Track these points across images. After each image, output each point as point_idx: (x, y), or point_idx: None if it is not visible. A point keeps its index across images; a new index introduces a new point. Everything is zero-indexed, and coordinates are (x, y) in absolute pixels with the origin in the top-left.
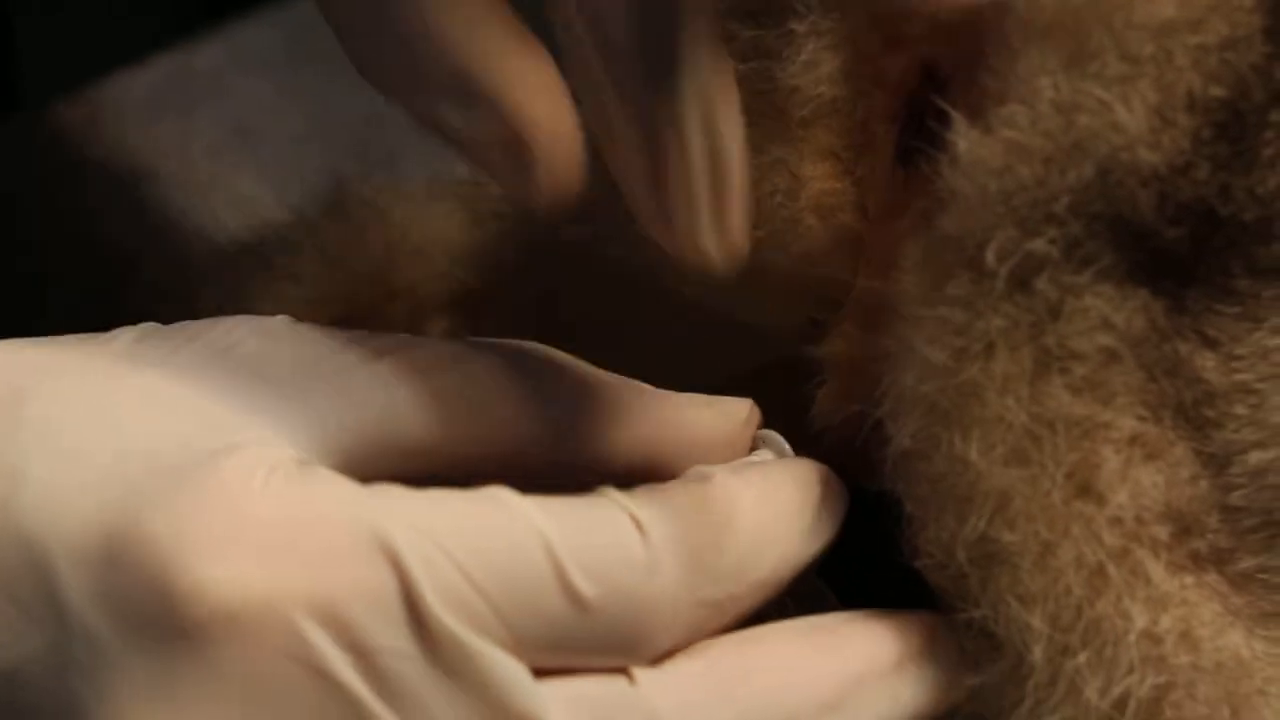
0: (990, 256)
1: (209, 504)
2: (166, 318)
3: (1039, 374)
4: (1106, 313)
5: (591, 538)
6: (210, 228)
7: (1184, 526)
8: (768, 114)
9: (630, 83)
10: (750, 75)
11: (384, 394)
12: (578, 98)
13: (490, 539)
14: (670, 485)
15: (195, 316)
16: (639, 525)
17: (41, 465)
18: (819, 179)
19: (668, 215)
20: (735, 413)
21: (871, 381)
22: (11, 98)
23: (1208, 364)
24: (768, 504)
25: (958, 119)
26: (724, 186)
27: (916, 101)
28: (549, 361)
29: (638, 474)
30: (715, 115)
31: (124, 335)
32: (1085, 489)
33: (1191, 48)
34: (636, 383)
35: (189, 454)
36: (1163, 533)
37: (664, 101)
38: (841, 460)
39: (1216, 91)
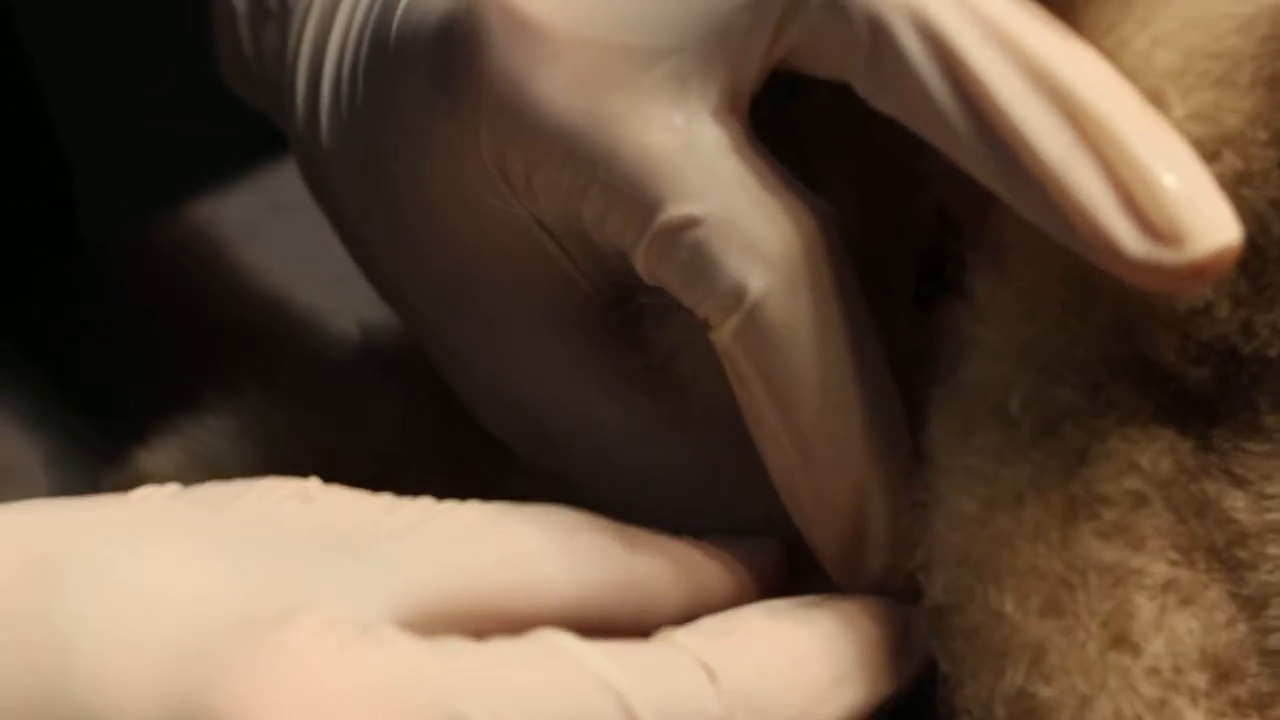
0: (1014, 405)
1: (275, 673)
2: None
3: (1068, 520)
4: (1133, 456)
5: (663, 688)
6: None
7: (1223, 672)
8: None
9: None
10: None
11: (435, 556)
12: None
13: (560, 698)
14: (728, 626)
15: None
16: (709, 672)
17: (91, 639)
18: None
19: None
20: (766, 548)
21: (904, 534)
22: (71, 238)
23: (1238, 504)
24: (833, 647)
25: (975, 265)
26: None
27: (934, 248)
28: (582, 519)
29: (681, 618)
30: None
31: (155, 496)
32: (1120, 638)
33: None
34: (665, 536)
35: (247, 622)
36: (1201, 680)
37: None
38: None
39: None
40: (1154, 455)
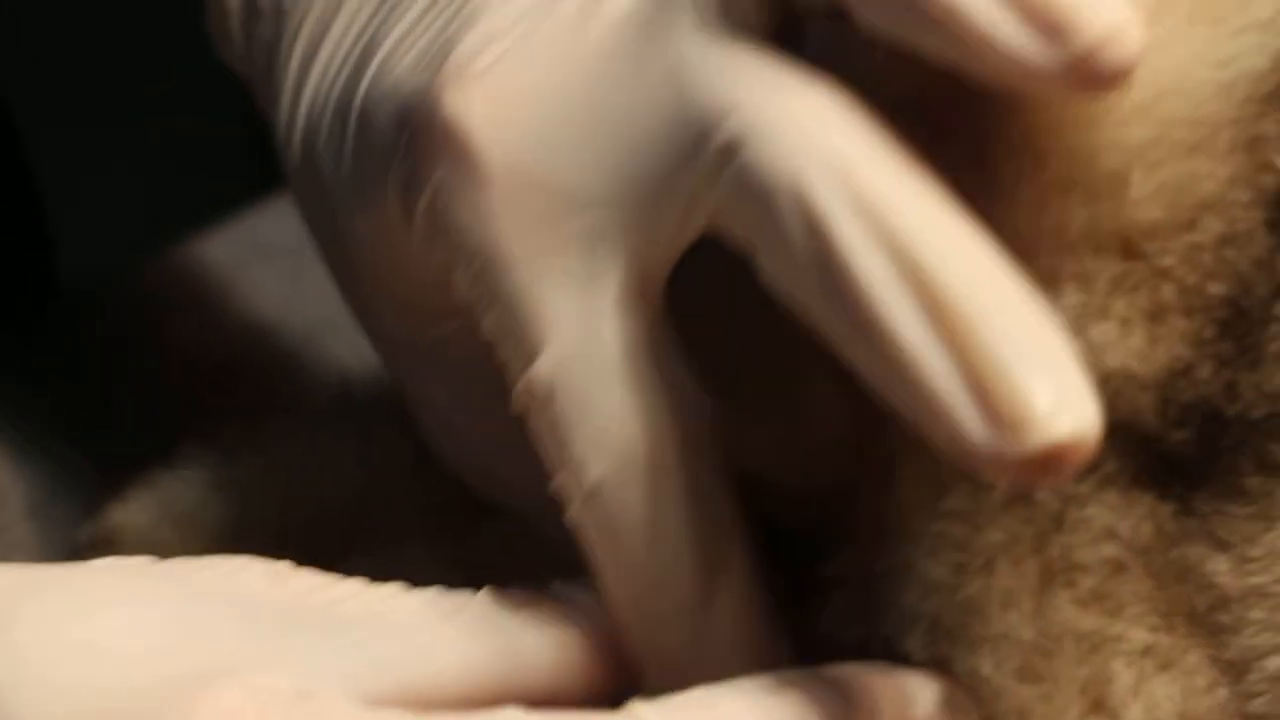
0: None
1: None
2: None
3: (1044, 588)
4: (1111, 522)
5: None
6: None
7: None
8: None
9: None
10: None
11: (399, 642)
12: None
13: None
14: (700, 703)
15: None
16: None
17: (33, 687)
18: (822, 395)
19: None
20: None
21: (878, 600)
22: (51, 282)
23: (1220, 568)
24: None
25: None
26: None
27: None
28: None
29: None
30: None
31: (119, 564)
32: (1099, 705)
33: (1184, 247)
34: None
35: (191, 679)
36: None
37: None
38: None
39: (1216, 289)
40: (1134, 521)
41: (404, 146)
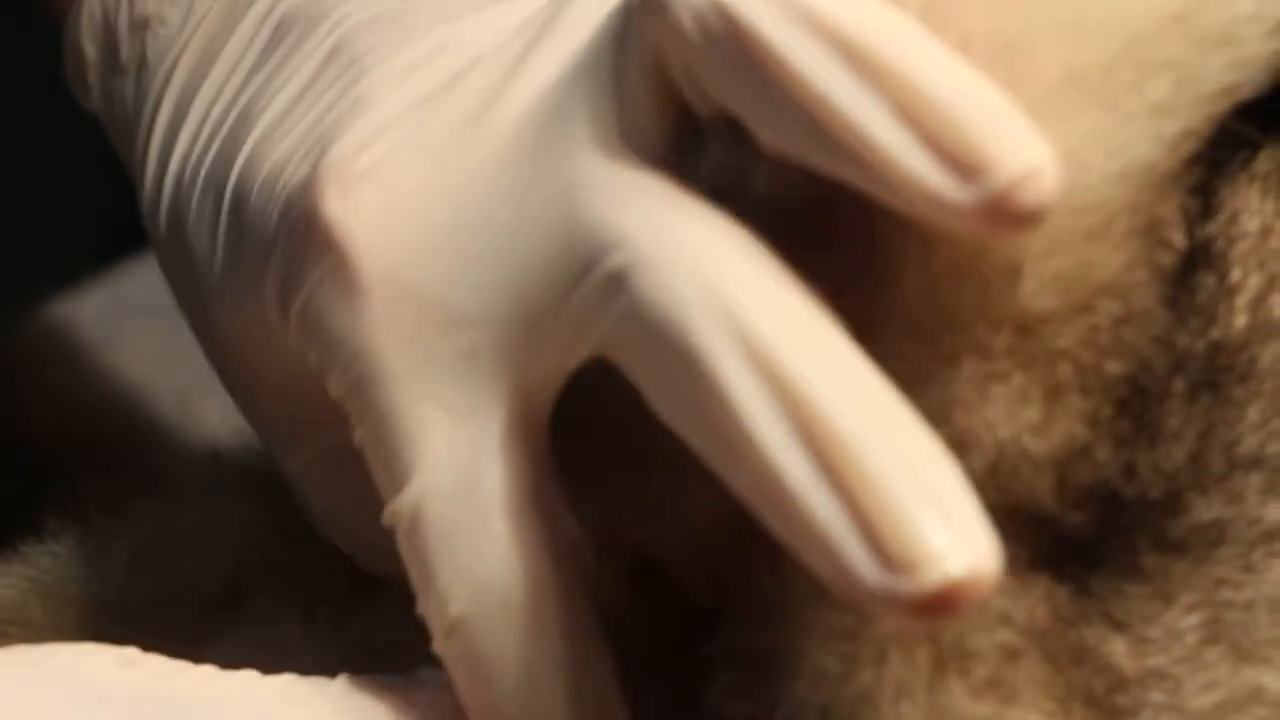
0: None
1: None
2: None
3: (936, 677)
4: (1005, 607)
5: None
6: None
7: None
8: None
9: None
10: None
11: None
12: None
13: None
14: None
15: None
16: None
17: None
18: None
19: None
20: None
21: (767, 681)
22: None
23: (1117, 649)
24: None
25: None
26: None
27: None
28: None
29: None
30: None
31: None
32: None
33: (1080, 329)
34: None
35: None
36: None
37: None
38: None
39: (1114, 368)
40: (1029, 605)
41: (282, 243)
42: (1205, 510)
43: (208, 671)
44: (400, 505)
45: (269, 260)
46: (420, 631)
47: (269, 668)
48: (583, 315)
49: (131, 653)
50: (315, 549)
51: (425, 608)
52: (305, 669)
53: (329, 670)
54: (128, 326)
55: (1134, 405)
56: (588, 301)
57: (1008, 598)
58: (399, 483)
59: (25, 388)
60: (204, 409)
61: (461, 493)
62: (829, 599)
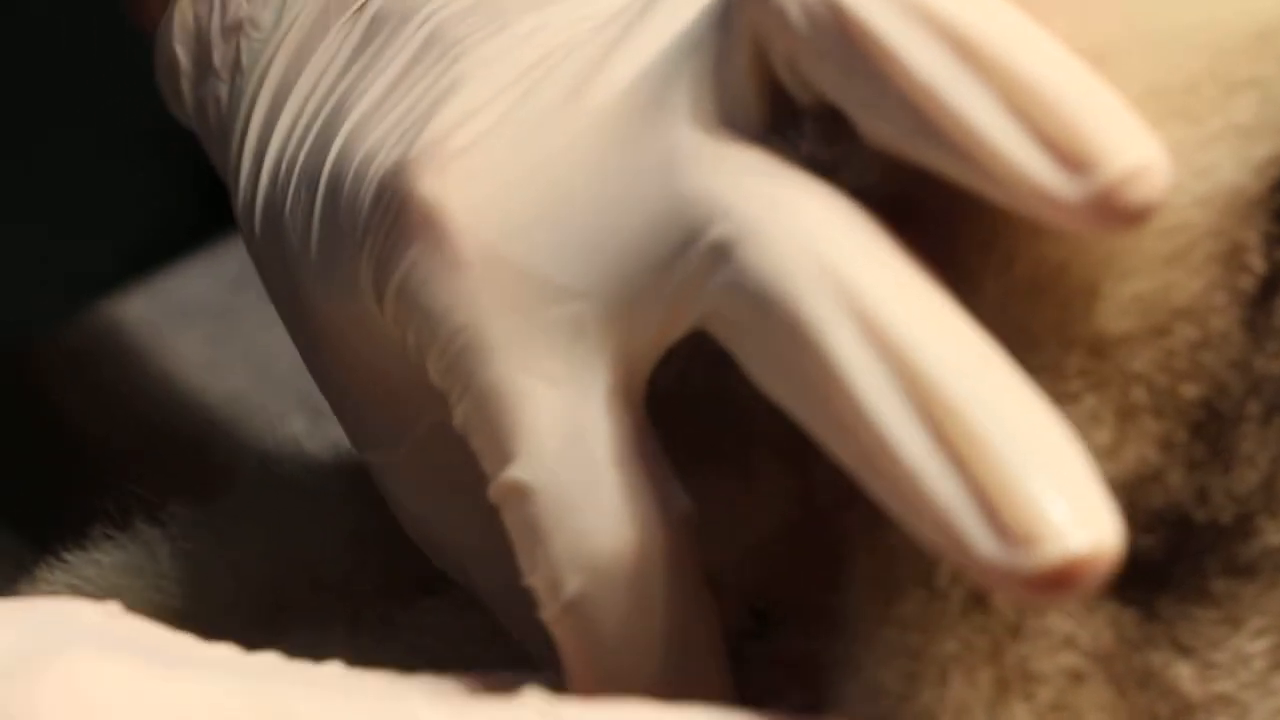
0: (942, 576)
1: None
2: None
3: (999, 699)
4: (1071, 630)
5: None
6: None
7: None
8: (717, 408)
9: None
10: (700, 373)
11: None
12: None
13: None
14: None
15: None
16: None
17: None
18: (770, 474)
19: None
20: None
21: (816, 690)
22: None
23: (1183, 674)
24: None
25: None
26: None
27: None
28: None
29: None
30: None
31: None
32: None
33: (1156, 352)
34: None
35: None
36: None
37: None
38: None
39: (1190, 391)
40: (1095, 629)
41: (376, 224)
42: (1276, 534)
43: (193, 640)
44: (507, 478)
45: (363, 244)
46: (474, 636)
47: None
48: (685, 286)
49: (114, 607)
50: (364, 557)
51: (534, 581)
52: None
53: None
54: (175, 331)
55: (1208, 429)
56: (691, 272)
57: (1073, 621)
58: (505, 456)
59: (71, 393)
60: (252, 416)
61: (569, 462)
62: (892, 616)
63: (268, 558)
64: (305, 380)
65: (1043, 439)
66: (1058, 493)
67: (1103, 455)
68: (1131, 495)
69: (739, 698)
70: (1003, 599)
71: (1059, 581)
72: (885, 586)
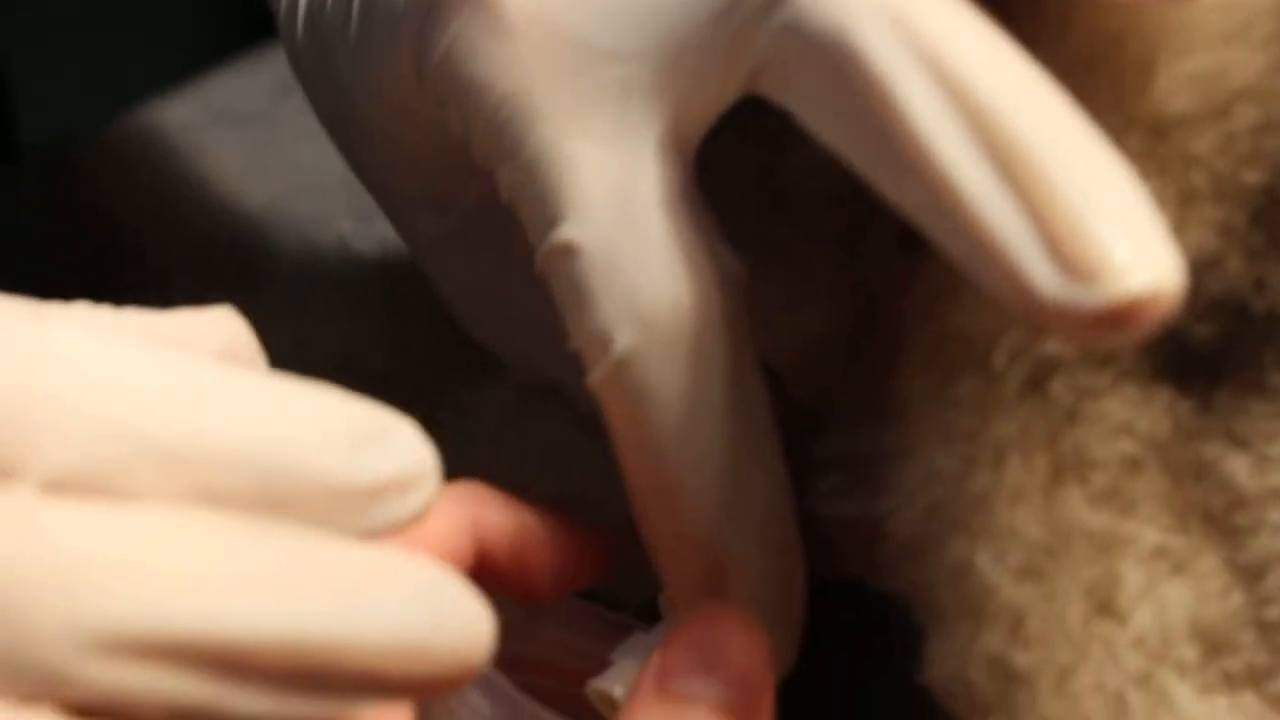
0: (1000, 357)
1: None
2: None
3: (1054, 483)
4: (1128, 416)
5: None
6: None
7: (1214, 645)
8: (771, 199)
9: None
10: (752, 163)
11: None
12: None
13: None
14: None
15: None
16: None
17: None
18: (826, 265)
19: None
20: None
21: (873, 481)
22: (10, 144)
23: (1239, 467)
24: None
25: None
26: None
27: None
28: None
29: None
30: None
31: None
32: (1105, 607)
33: (1216, 135)
34: None
35: None
36: (1191, 653)
37: None
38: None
39: (1251, 177)
40: (1152, 416)
41: (417, 1)
42: None
43: None
44: (555, 238)
45: (403, 21)
46: (525, 429)
47: None
48: (739, 34)
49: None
50: (405, 353)
51: (581, 343)
52: None
53: None
54: (215, 135)
55: (1269, 217)
56: (744, 19)
57: (1131, 407)
58: (552, 219)
59: (112, 195)
60: (294, 221)
61: (619, 219)
62: (948, 398)
63: (306, 351)
64: (350, 187)
65: (1107, 179)
66: (1122, 231)
67: None
68: (1191, 282)
69: (798, 498)
70: (1060, 338)
71: (1119, 319)
72: (942, 370)
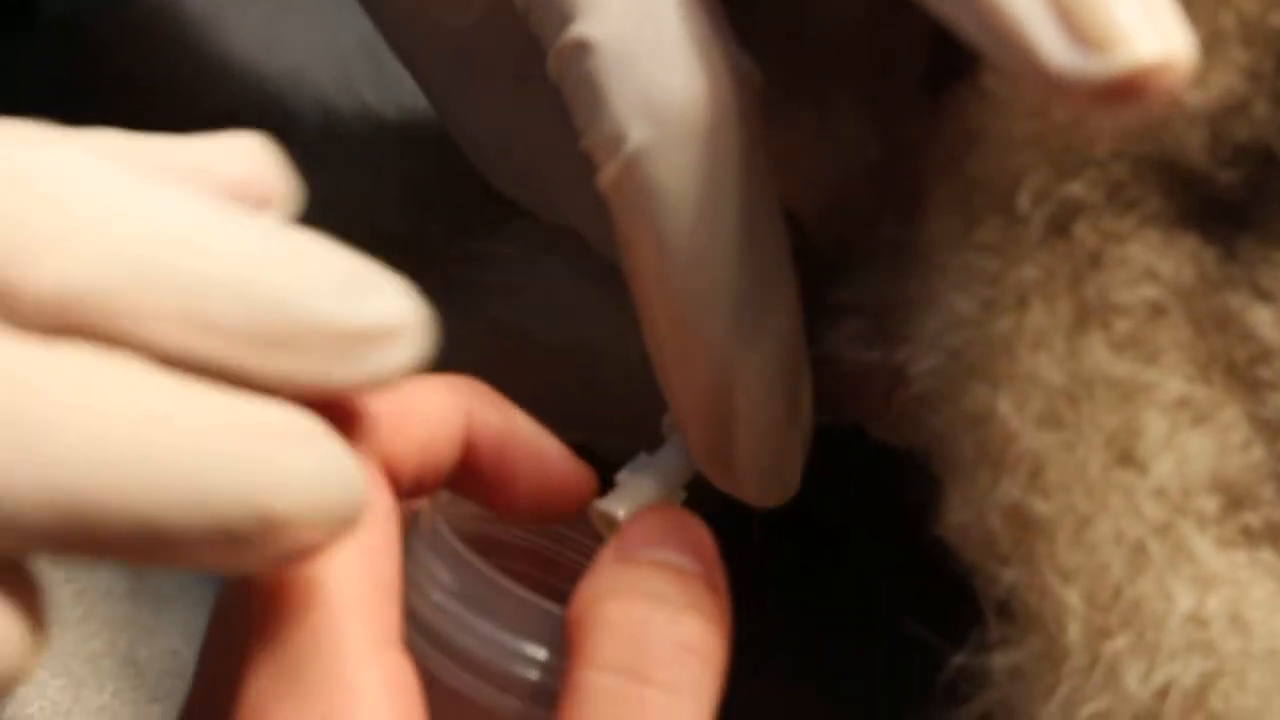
0: (1023, 200)
1: None
2: None
3: (1077, 329)
4: (1152, 261)
5: None
6: None
7: (1235, 498)
8: (792, 37)
9: None
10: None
11: None
12: None
13: None
14: None
15: None
16: None
17: None
18: (846, 112)
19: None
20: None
21: (894, 327)
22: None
23: (1263, 319)
24: None
25: None
26: None
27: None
28: None
29: None
30: None
31: None
32: (1126, 456)
33: None
34: None
35: None
36: (1211, 505)
37: None
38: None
39: (1278, 21)
40: (1176, 262)
41: None
42: None
43: None
44: (568, 36)
45: None
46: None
47: None
48: None
49: None
50: (425, 208)
51: (594, 140)
52: None
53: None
54: (235, 5)
55: None
56: None
57: (1155, 252)
58: (566, 17)
59: (130, 66)
60: (313, 88)
61: (634, 17)
62: (971, 242)
63: (327, 207)
64: (369, 54)
65: None
66: (1134, 2)
67: (1189, 83)
68: (1215, 126)
69: (816, 344)
70: (1068, 111)
71: (1128, 90)
72: (964, 214)
